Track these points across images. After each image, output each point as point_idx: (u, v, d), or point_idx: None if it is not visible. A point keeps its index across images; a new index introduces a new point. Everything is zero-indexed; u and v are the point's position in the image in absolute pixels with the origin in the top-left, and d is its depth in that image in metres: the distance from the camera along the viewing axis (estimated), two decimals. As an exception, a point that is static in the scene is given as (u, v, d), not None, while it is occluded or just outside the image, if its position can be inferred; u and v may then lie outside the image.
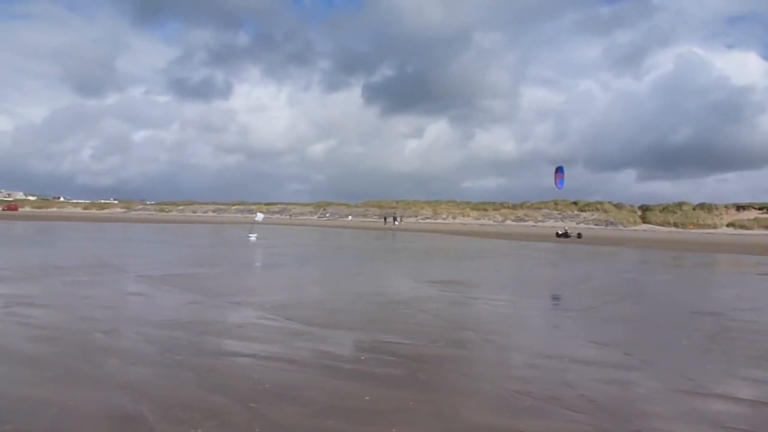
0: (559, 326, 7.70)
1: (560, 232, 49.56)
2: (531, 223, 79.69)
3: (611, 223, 75.46)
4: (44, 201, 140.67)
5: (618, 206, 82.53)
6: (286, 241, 29.87)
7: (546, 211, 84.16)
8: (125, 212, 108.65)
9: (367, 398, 4.29)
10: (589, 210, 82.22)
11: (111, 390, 4.23)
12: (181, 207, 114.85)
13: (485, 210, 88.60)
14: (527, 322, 8.12)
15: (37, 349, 5.35)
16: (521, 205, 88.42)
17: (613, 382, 4.99)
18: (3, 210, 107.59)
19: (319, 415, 3.91)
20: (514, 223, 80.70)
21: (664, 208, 77.20)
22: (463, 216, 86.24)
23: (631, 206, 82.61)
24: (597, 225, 75.48)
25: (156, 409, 3.87)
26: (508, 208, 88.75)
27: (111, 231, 35.27)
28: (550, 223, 78.85)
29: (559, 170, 45.25)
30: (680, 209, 75.00)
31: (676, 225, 71.00)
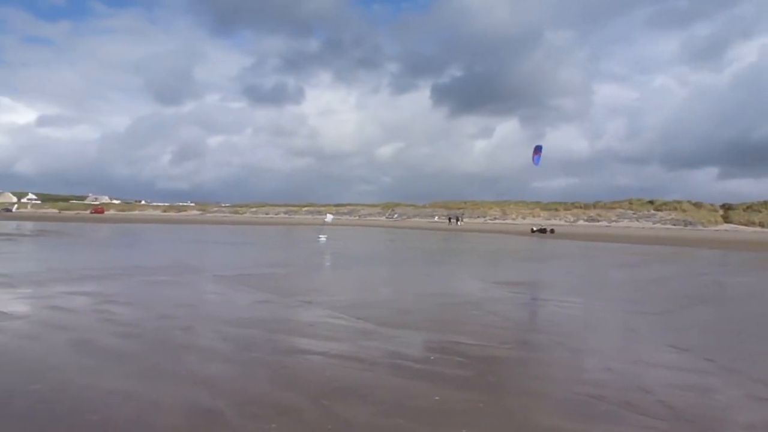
0: (635, 329, 7.38)
1: (535, 229, 53.16)
2: (605, 223, 76.97)
3: (690, 223, 71.76)
4: (127, 204, 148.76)
5: (697, 205, 78.45)
6: (354, 241, 30.25)
7: (620, 210, 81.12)
8: (201, 214, 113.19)
9: (436, 398, 4.26)
10: (666, 209, 78.58)
11: (190, 385, 4.40)
12: (254, 209, 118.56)
13: (556, 210, 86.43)
14: (600, 325, 7.83)
15: (121, 344, 5.64)
16: (594, 205, 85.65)
17: (692, 389, 4.73)
18: (91, 213, 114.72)
19: (389, 413, 3.92)
20: (587, 223, 78.22)
21: (747, 207, 72.69)
22: (533, 216, 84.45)
23: (712, 205, 78.30)
24: (674, 225, 72.01)
25: (232, 404, 3.99)
26: (580, 207, 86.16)
27: (188, 232, 36.85)
28: (624, 223, 75.96)
29: (538, 148, 44.01)
30: (766, 208, 70.35)
31: (762, 225, 66.65)
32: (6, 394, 4.14)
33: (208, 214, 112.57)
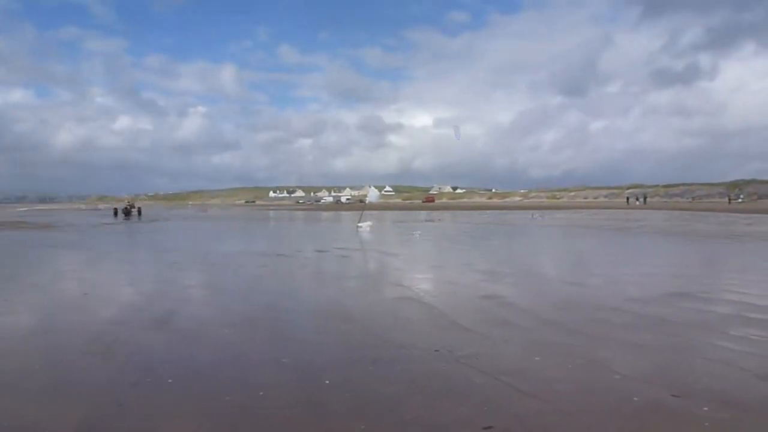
0: None
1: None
2: None
3: None
4: (470, 192, 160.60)
5: None
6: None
7: None
8: (520, 200, 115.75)
9: None
10: None
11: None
12: (572, 193, 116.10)
13: None
14: None
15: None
16: None
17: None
18: (423, 202, 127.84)
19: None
20: None
21: None
22: None
23: None
24: None
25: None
26: None
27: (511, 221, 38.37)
28: None
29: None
30: None
31: None
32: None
33: (525, 200, 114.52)
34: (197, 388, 4.34)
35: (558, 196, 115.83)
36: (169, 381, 4.51)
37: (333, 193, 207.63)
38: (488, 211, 57.61)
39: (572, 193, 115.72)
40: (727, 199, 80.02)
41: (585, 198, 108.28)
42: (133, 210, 49.42)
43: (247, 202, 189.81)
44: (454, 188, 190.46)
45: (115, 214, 49.06)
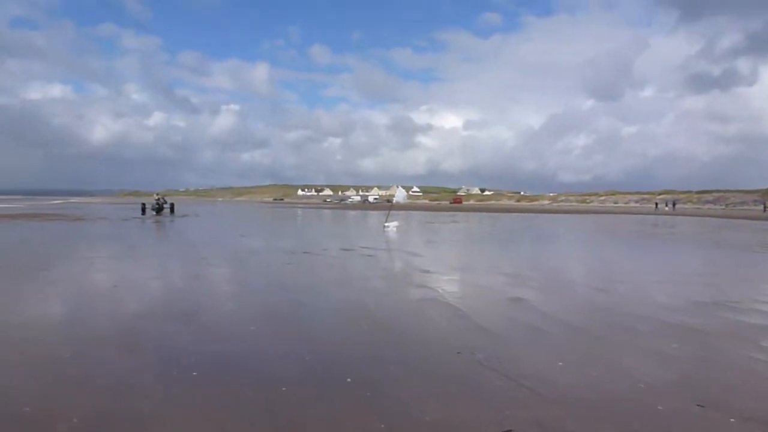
0: None
1: None
2: None
3: None
4: (497, 194, 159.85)
5: None
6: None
7: None
8: (549, 204, 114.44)
9: None
10: None
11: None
12: (602, 197, 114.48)
13: None
14: None
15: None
16: None
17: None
18: (450, 203, 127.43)
19: None
20: None
21: None
22: None
23: None
24: None
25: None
26: None
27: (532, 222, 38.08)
28: None
29: None
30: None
31: None
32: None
33: (555, 204, 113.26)
34: (221, 382, 4.42)
35: (588, 201, 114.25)
36: (194, 374, 4.60)
37: (361, 193, 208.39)
38: (514, 215, 57.11)
39: (602, 198, 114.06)
40: (762, 207, 77.96)
41: (615, 203, 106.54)
42: (165, 206, 43.41)
43: (275, 199, 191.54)
44: (482, 190, 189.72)
45: (143, 210, 41.83)
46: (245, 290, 9.25)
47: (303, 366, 4.84)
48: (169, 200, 47.33)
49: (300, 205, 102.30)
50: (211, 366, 4.84)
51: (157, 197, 43.81)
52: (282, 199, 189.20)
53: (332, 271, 11.39)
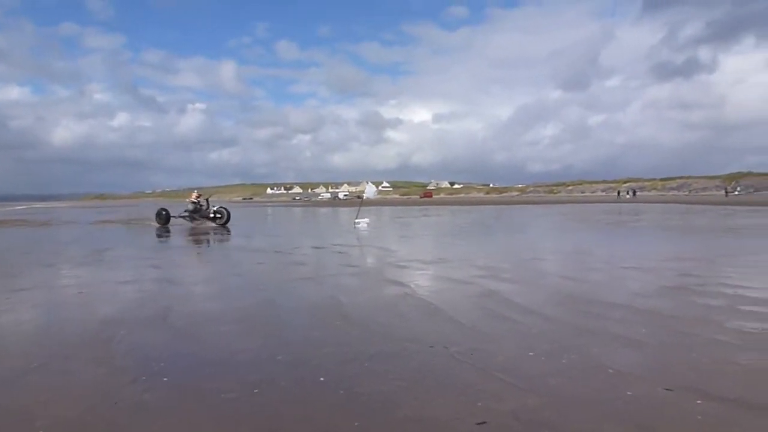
0: None
1: None
2: None
3: None
4: (466, 187, 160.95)
5: None
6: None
7: None
8: (518, 195, 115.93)
9: None
10: None
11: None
12: (570, 187, 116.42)
13: None
14: None
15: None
16: None
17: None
18: (420, 197, 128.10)
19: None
20: None
21: None
22: None
23: None
24: None
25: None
26: None
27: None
28: None
29: None
30: None
31: None
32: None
33: (523, 195, 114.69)
34: (193, 386, 4.35)
35: (555, 191, 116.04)
36: (165, 379, 4.51)
37: (331, 190, 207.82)
38: (484, 207, 57.69)
39: (569, 188, 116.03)
40: (724, 192, 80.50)
41: (582, 192, 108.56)
42: (214, 211, 27.54)
43: (244, 199, 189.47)
44: (452, 183, 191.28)
45: (166, 219, 27.96)
46: (215, 291, 9.11)
47: (276, 366, 4.79)
48: (212, 203, 28.93)
49: (270, 204, 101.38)
50: (182, 370, 4.75)
51: (198, 197, 28.01)
52: (251, 198, 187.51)
53: (304, 269, 11.31)
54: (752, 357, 4.84)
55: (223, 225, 26.61)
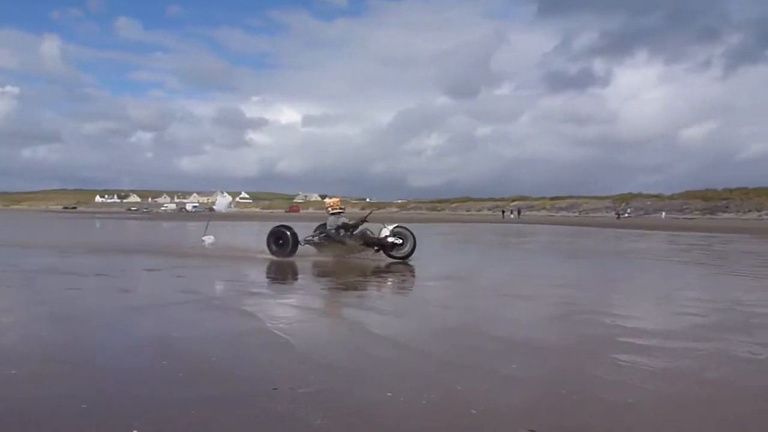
0: None
1: None
2: None
3: None
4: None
5: None
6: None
7: None
8: (398, 212, 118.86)
9: None
10: None
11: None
12: (454, 205, 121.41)
13: None
14: None
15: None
16: None
17: None
18: (286, 212, 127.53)
19: None
20: None
21: None
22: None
23: None
24: None
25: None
26: None
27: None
28: None
29: None
30: None
31: None
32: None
33: (404, 212, 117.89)
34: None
35: (438, 208, 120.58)
36: None
37: (177, 200, 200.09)
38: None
39: (454, 205, 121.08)
40: (615, 215, 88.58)
41: (468, 210, 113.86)
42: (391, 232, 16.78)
43: (65, 208, 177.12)
44: (323, 197, 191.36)
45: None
46: (8, 324, 8.34)
47: (79, 419, 4.47)
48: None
49: (99, 215, 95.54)
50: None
51: (341, 208, 18.72)
52: (75, 207, 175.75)
53: (131, 297, 10.74)
54: (621, 393, 5.28)
55: (404, 259, 16.87)
